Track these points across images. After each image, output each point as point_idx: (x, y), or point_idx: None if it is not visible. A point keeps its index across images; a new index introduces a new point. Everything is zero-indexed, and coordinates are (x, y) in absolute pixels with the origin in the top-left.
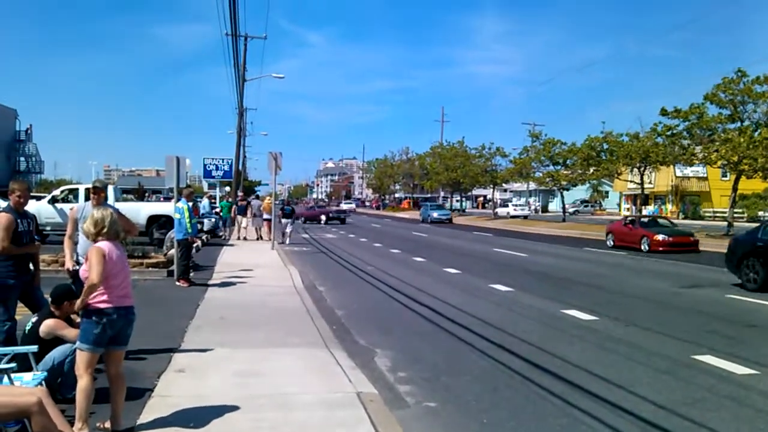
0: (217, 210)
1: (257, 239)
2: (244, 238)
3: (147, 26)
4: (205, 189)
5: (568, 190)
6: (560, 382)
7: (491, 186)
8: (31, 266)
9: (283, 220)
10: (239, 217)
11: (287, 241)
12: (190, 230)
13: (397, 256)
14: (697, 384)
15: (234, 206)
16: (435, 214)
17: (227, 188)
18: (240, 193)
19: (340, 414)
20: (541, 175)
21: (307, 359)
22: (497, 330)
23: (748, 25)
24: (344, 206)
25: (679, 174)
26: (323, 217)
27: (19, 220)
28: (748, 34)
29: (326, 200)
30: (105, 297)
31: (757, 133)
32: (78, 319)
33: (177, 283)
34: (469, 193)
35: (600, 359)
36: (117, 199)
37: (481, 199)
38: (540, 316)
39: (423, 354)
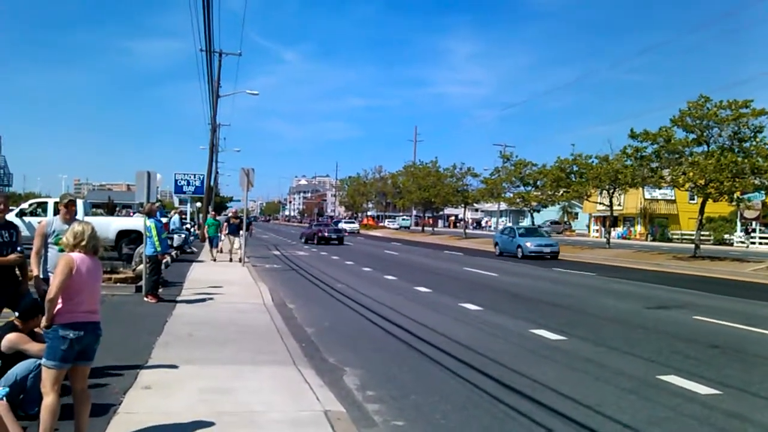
0: (188, 226)
1: (230, 260)
2: (230, 260)
3: (120, 40)
4: (176, 204)
5: (538, 211)
6: (528, 402)
7: (462, 205)
8: (19, 274)
9: (230, 237)
10: (230, 237)
11: (235, 258)
12: (159, 248)
13: (368, 274)
14: (661, 404)
15: (225, 224)
16: (531, 245)
17: (198, 204)
18: (231, 210)
19: None
20: (511, 195)
21: (276, 377)
22: (467, 349)
23: (714, 50)
24: (345, 225)
25: (647, 196)
26: (316, 238)
27: None
28: (714, 60)
29: (330, 217)
30: (72, 312)
31: (722, 157)
32: (41, 332)
33: (145, 299)
34: (441, 212)
35: (568, 379)
36: (86, 214)
37: (453, 218)
38: (509, 336)
39: (392, 373)
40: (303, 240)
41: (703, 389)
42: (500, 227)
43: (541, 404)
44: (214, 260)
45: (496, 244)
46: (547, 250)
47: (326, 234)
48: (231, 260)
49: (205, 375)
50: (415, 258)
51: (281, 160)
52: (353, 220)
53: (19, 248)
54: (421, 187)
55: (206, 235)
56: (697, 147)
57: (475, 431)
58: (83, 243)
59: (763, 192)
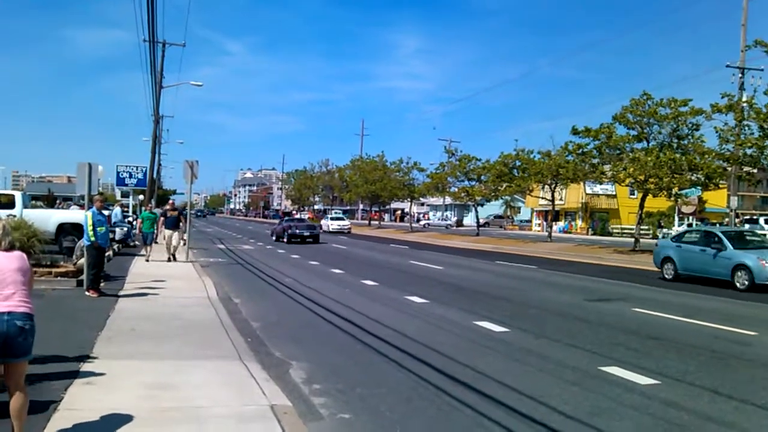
0: (130, 219)
1: (168, 259)
2: (168, 259)
3: (60, 29)
4: (118, 197)
5: (482, 205)
6: (473, 393)
7: (409, 199)
8: None
9: (167, 232)
10: (168, 232)
11: (175, 257)
12: (93, 238)
13: (315, 267)
14: (603, 394)
15: (161, 218)
16: None
17: (141, 196)
18: (169, 202)
19: (253, 427)
20: (456, 190)
21: (221, 372)
22: (413, 341)
23: (655, 48)
24: (331, 223)
25: (588, 191)
26: (286, 236)
27: None
28: (657, 58)
29: (324, 210)
30: None
31: (662, 153)
32: None
33: (87, 294)
34: (388, 207)
35: (512, 370)
36: (25, 206)
37: (399, 212)
38: (454, 328)
39: (339, 366)
40: (274, 237)
41: (642, 379)
42: (674, 230)
43: (486, 395)
44: (147, 260)
45: (665, 260)
46: None
47: (297, 231)
48: (170, 260)
49: (148, 370)
50: (362, 252)
51: (226, 152)
52: (341, 215)
53: None
54: (368, 181)
55: (140, 231)
56: (638, 143)
57: (420, 423)
58: None
59: (699, 188)
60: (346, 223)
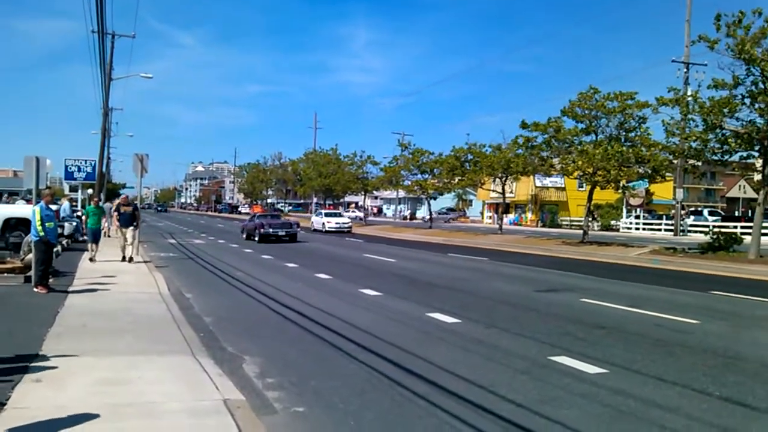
0: (79, 214)
1: (122, 259)
2: (129, 259)
3: (4, 18)
4: (66, 191)
5: (435, 198)
6: (425, 384)
7: (362, 193)
8: None
9: (122, 230)
10: (122, 230)
11: (133, 257)
12: (41, 233)
13: (268, 262)
14: (552, 383)
15: (116, 213)
16: None
17: (89, 190)
18: (122, 196)
19: (206, 422)
20: (409, 183)
21: (173, 367)
22: (366, 334)
23: (603, 44)
24: (327, 221)
25: (538, 184)
26: (258, 234)
27: None
28: (605, 53)
29: (335, 204)
30: None
31: (609, 146)
32: None
33: (35, 290)
34: (342, 200)
35: (463, 360)
36: None
37: (353, 205)
38: (406, 320)
39: (292, 359)
40: (244, 236)
41: (590, 368)
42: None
43: (438, 386)
44: (92, 260)
45: None
46: None
47: (271, 231)
48: (124, 259)
49: (100, 366)
50: (316, 245)
51: (178, 146)
52: (338, 212)
53: None
54: (321, 174)
55: (85, 227)
56: (586, 136)
57: (374, 414)
58: None
59: (647, 180)
60: (346, 220)
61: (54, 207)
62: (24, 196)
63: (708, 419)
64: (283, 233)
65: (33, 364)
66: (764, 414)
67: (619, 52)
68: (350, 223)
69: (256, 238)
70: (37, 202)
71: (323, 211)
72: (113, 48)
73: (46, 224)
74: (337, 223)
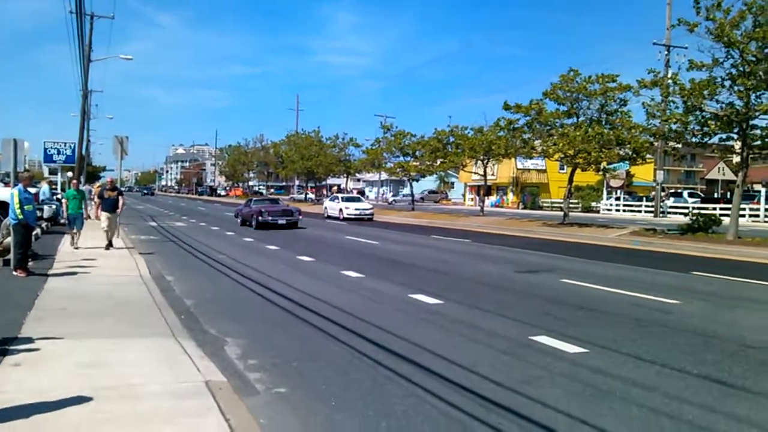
0: (59, 196)
1: (106, 247)
2: (106, 247)
3: None
4: (46, 174)
5: (417, 180)
6: (408, 364)
7: (345, 175)
8: None
9: (103, 215)
10: (106, 215)
11: (112, 244)
12: (20, 216)
13: (250, 244)
14: (533, 363)
15: (98, 199)
16: None
17: (69, 173)
18: (108, 179)
19: (188, 403)
20: (392, 165)
21: (155, 350)
22: (348, 315)
23: (584, 26)
24: (346, 207)
25: (520, 166)
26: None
27: None
28: (588, 36)
29: (338, 186)
30: None
31: (590, 128)
32: None
33: (14, 273)
34: (324, 183)
35: (445, 341)
36: None
37: (335, 188)
38: (389, 301)
39: (274, 341)
40: (239, 221)
41: (571, 348)
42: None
43: (420, 366)
44: (77, 248)
45: None
46: None
47: (270, 219)
48: (108, 247)
49: (80, 349)
50: (299, 228)
51: (158, 128)
52: (359, 196)
53: None
54: (303, 156)
55: (65, 213)
56: (567, 119)
57: (356, 395)
58: None
59: (627, 162)
60: (368, 206)
61: (33, 190)
62: (2, 179)
63: (686, 397)
64: (284, 221)
65: (12, 348)
66: (740, 391)
67: (602, 35)
68: (372, 210)
69: (252, 224)
70: (15, 185)
71: (340, 196)
72: (92, 29)
73: (25, 207)
74: (357, 209)
